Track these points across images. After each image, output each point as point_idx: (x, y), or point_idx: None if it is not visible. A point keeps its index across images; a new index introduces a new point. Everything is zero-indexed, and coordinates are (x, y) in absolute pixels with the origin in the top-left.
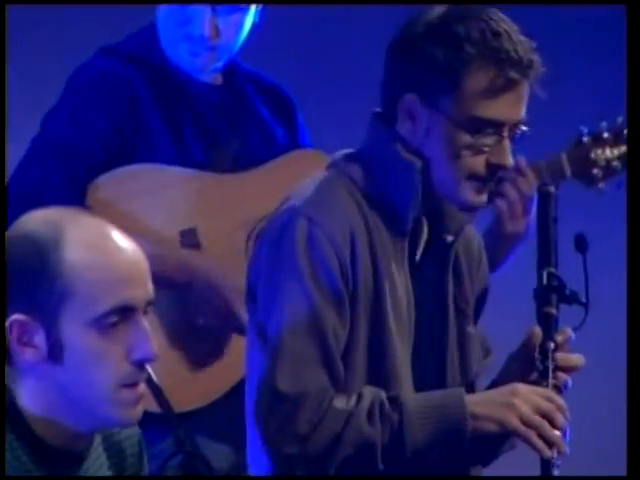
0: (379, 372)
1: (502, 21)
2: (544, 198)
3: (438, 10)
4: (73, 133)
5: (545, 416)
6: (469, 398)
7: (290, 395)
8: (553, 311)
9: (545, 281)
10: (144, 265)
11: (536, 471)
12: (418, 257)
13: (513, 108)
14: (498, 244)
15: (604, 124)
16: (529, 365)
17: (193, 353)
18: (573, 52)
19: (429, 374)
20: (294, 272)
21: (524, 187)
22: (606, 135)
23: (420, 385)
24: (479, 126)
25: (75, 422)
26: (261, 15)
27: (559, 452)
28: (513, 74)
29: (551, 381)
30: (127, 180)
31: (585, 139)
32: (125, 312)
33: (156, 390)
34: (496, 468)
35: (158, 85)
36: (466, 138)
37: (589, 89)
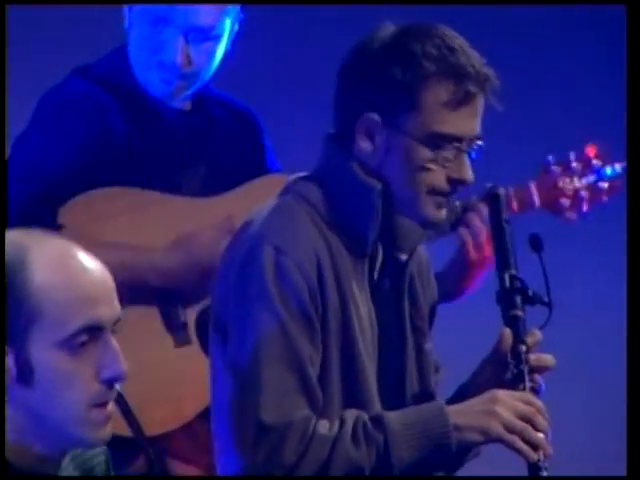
0: (354, 395)
1: (455, 37)
2: (494, 201)
3: (390, 29)
4: (45, 156)
5: (527, 420)
6: (450, 410)
7: (275, 426)
8: (519, 313)
9: (507, 284)
10: (110, 284)
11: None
12: (376, 277)
13: (471, 122)
14: (463, 272)
15: (572, 153)
16: (503, 369)
17: (164, 376)
18: (572, 54)
19: (390, 393)
20: (265, 301)
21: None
22: (574, 164)
23: (382, 404)
24: (439, 142)
25: (44, 443)
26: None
27: (545, 455)
28: (471, 88)
29: (528, 384)
30: (98, 202)
31: (553, 168)
32: (93, 331)
33: (126, 412)
34: (495, 468)
35: (129, 109)
36: (427, 154)
37: (588, 90)
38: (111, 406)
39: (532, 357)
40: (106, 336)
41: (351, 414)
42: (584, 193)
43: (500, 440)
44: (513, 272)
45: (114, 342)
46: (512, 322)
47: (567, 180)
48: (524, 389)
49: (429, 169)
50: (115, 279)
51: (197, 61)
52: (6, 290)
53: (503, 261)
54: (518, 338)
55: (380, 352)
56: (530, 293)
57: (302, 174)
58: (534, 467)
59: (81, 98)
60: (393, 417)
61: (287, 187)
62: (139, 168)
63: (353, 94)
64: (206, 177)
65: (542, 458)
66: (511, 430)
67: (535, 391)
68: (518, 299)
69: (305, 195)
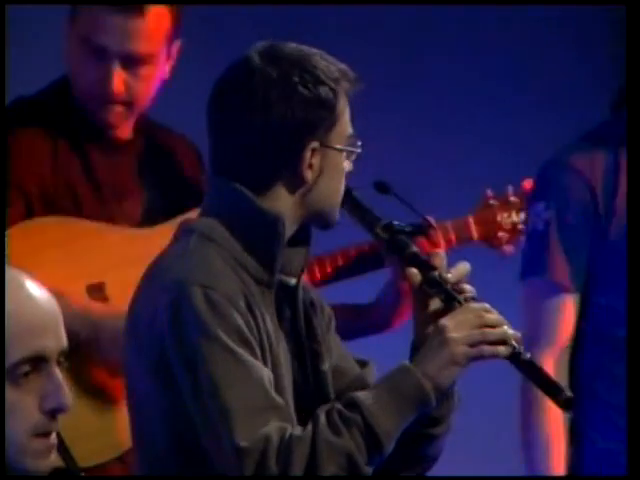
0: None
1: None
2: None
3: (265, 61)
4: None
5: (480, 326)
6: (414, 365)
7: (254, 447)
8: (414, 249)
9: (386, 235)
10: (57, 315)
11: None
12: (276, 305)
13: None
14: (395, 302)
15: (510, 187)
16: (434, 304)
17: (100, 406)
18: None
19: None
20: (208, 337)
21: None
22: (512, 199)
23: None
24: (351, 142)
25: None
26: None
27: (517, 341)
28: (358, 87)
29: (461, 297)
30: (35, 232)
31: (491, 202)
32: (37, 362)
33: (59, 442)
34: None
35: (69, 137)
36: (347, 158)
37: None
38: (54, 436)
39: (448, 276)
40: (50, 367)
41: (322, 408)
42: (522, 227)
43: (471, 359)
44: (383, 222)
45: (58, 373)
46: (412, 260)
47: (505, 214)
48: (460, 303)
49: (345, 172)
50: None
51: (135, 88)
52: (5, 292)
53: (370, 222)
54: (426, 268)
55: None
56: (409, 229)
57: (195, 217)
58: (513, 357)
59: (26, 127)
60: (364, 395)
61: (188, 228)
62: (79, 197)
63: (282, 131)
64: (148, 206)
65: (516, 345)
66: (473, 344)
67: (473, 299)
68: (404, 238)
69: (209, 234)
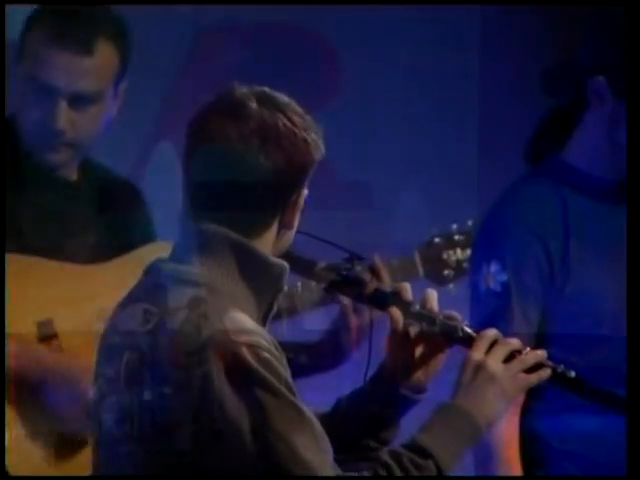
0: None
1: None
2: None
3: (272, 103)
4: None
5: (511, 354)
6: (465, 405)
7: None
8: (375, 285)
9: (338, 277)
10: None
11: None
12: None
13: None
14: (343, 339)
15: (454, 226)
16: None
17: (55, 444)
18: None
19: None
20: (273, 393)
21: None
22: (457, 237)
23: None
24: None
25: None
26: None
27: (548, 358)
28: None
29: (461, 325)
30: None
31: (437, 240)
32: None
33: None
34: None
35: (20, 179)
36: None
37: None
38: None
39: (433, 306)
40: None
41: (386, 455)
42: (467, 265)
43: (519, 393)
44: (322, 264)
45: None
46: (381, 298)
47: (450, 252)
48: (462, 332)
49: None
50: None
51: (81, 127)
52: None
53: (306, 265)
54: (404, 305)
55: None
56: (355, 264)
57: (192, 267)
58: (559, 378)
59: None
60: (430, 442)
61: (188, 280)
62: (27, 236)
63: (286, 177)
64: (94, 245)
65: (552, 364)
66: (516, 374)
67: (469, 327)
68: (365, 276)
69: (213, 285)
